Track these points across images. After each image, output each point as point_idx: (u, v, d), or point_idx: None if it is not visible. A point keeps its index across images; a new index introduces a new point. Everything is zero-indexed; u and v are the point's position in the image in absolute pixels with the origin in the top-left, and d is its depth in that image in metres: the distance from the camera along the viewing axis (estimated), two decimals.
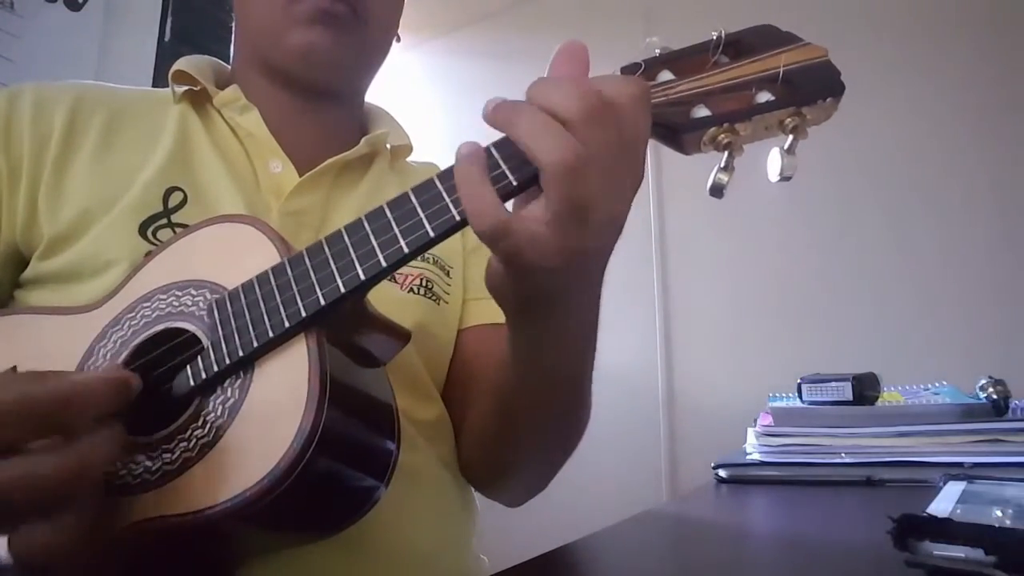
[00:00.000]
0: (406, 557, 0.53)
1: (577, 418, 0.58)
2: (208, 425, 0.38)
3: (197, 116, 0.62)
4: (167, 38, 1.70)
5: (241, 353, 0.39)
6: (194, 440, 0.37)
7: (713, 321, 1.85)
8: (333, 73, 0.64)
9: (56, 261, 0.54)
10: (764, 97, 0.39)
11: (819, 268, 1.68)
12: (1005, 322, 1.52)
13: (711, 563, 0.49)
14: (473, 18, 2.34)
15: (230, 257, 0.44)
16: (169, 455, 0.37)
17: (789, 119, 0.38)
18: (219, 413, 0.38)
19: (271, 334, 0.38)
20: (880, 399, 0.85)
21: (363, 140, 0.65)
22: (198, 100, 0.63)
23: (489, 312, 0.65)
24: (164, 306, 0.43)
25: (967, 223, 1.58)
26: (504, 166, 0.37)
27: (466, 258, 0.69)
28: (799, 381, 0.86)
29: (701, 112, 0.39)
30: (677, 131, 0.39)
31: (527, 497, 0.66)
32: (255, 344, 0.38)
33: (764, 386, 1.08)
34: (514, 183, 0.37)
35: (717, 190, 0.40)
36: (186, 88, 0.62)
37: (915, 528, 0.38)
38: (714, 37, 0.41)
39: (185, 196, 0.56)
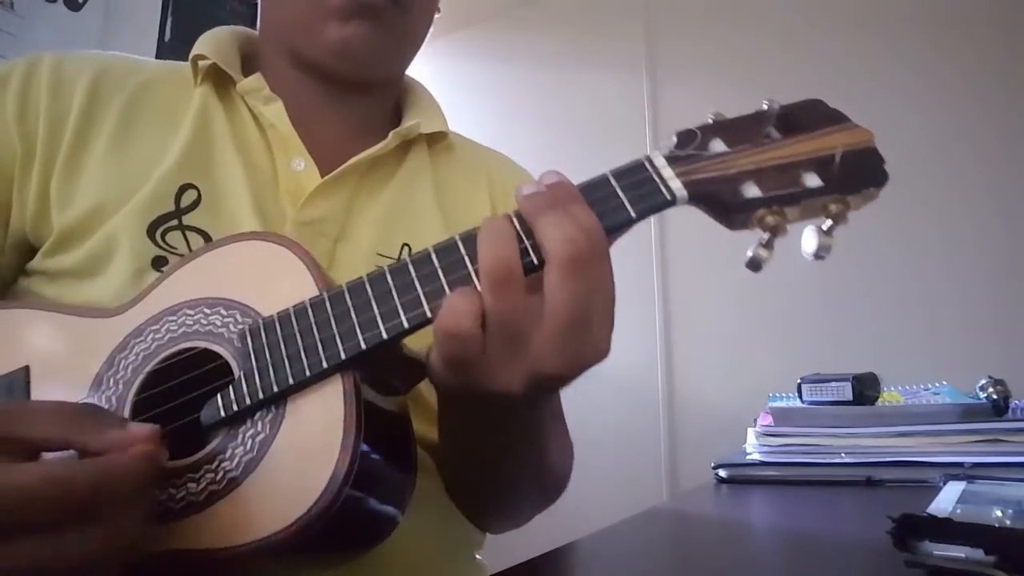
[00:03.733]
0: (405, 570, 0.53)
1: (539, 486, 0.57)
2: (237, 459, 0.37)
3: (219, 101, 0.58)
4: (167, 38, 1.71)
5: (275, 389, 0.38)
6: (221, 472, 0.37)
7: (713, 321, 1.85)
8: (371, 67, 0.60)
9: (65, 259, 0.51)
10: (812, 180, 0.39)
11: (819, 268, 1.68)
12: (1005, 322, 1.52)
13: (711, 563, 0.49)
14: (473, 19, 2.34)
15: (263, 279, 0.42)
16: (194, 485, 0.37)
17: (833, 205, 0.38)
18: (248, 447, 0.37)
19: (308, 373, 0.38)
20: (880, 399, 0.85)
21: (391, 134, 0.60)
22: (221, 81, 0.59)
23: None
24: (191, 322, 0.42)
25: (967, 223, 1.58)
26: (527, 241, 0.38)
27: None
28: (799, 381, 0.86)
29: (751, 191, 0.39)
30: (728, 210, 0.39)
31: (504, 530, 0.65)
32: (291, 382, 0.38)
33: (764, 386, 1.08)
34: (535, 261, 0.37)
35: (755, 265, 0.39)
36: (209, 63, 0.58)
37: (915, 528, 0.38)
38: (765, 108, 0.41)
39: (199, 196, 0.53)
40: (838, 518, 0.63)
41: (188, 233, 0.51)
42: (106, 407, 0.41)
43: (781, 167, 0.39)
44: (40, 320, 0.46)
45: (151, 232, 0.51)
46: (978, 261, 1.56)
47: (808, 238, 0.39)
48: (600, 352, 0.37)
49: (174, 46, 1.70)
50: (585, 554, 0.51)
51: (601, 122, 2.10)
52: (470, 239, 0.39)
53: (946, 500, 0.51)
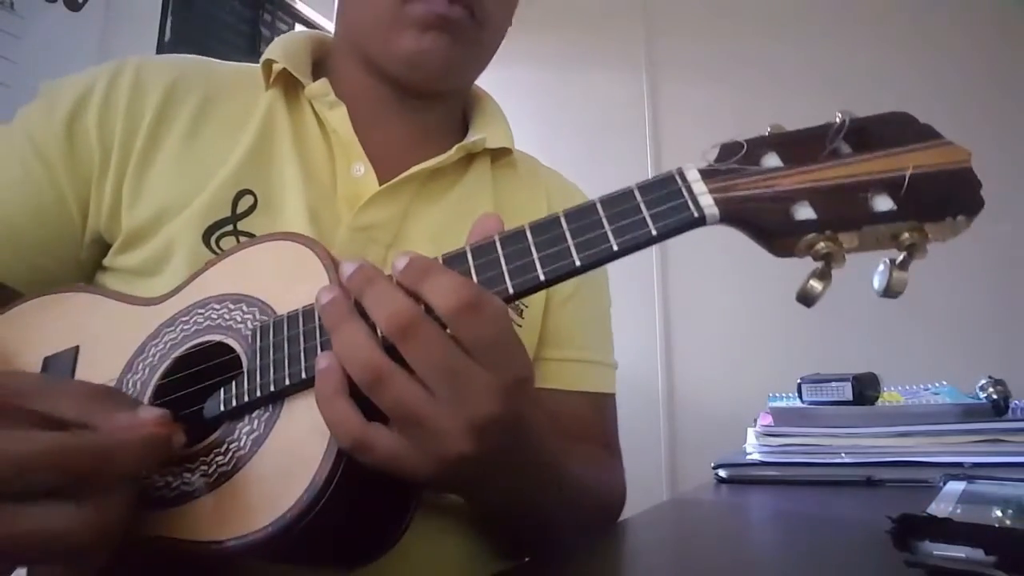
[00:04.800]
0: None
1: (578, 516, 0.55)
2: (230, 454, 0.38)
3: (286, 105, 0.60)
4: (167, 38, 1.71)
5: (272, 388, 0.38)
6: (214, 466, 0.38)
7: (713, 321, 1.85)
8: (444, 80, 0.60)
9: (130, 257, 0.54)
10: (882, 204, 0.33)
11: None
12: (1005, 322, 1.52)
13: (711, 563, 0.49)
14: None
15: (286, 279, 0.43)
16: (189, 475, 0.38)
17: (907, 234, 0.32)
18: (242, 443, 0.38)
19: (304, 375, 0.38)
20: (880, 399, 0.85)
21: (456, 147, 0.60)
22: (291, 85, 0.60)
23: (564, 376, 0.63)
24: (216, 316, 0.44)
25: None
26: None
27: (549, 304, 0.63)
28: (799, 381, 0.86)
29: (803, 212, 0.34)
30: (770, 233, 0.34)
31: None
32: (287, 382, 0.38)
33: (764, 386, 1.08)
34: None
35: (807, 298, 0.35)
36: (281, 68, 0.59)
37: (915, 528, 0.38)
38: (837, 120, 0.35)
39: (255, 201, 0.54)
40: (838, 518, 0.63)
41: (241, 239, 0.53)
42: (131, 391, 0.43)
43: (845, 187, 0.33)
44: (97, 304, 0.49)
45: (207, 237, 0.53)
46: (978, 261, 1.56)
47: (878, 274, 0.33)
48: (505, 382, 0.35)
49: (174, 46, 1.70)
50: (585, 554, 0.51)
51: (601, 122, 2.10)
52: (480, 250, 0.38)
53: (946, 500, 0.51)
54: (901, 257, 0.33)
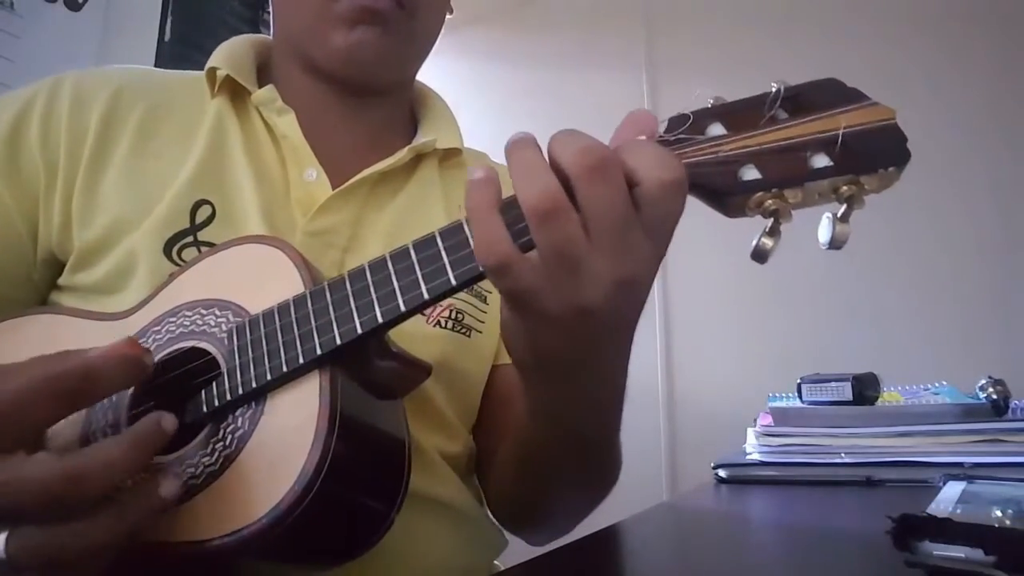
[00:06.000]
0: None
1: (601, 476, 0.56)
2: (216, 453, 0.38)
3: (234, 112, 0.59)
4: (167, 38, 1.71)
5: (254, 384, 0.39)
6: (201, 467, 0.38)
7: (713, 321, 1.85)
8: (379, 72, 0.60)
9: (89, 275, 0.53)
10: (820, 161, 0.36)
11: (819, 268, 1.68)
12: (1004, 322, 1.52)
13: (711, 563, 0.49)
14: (473, 18, 2.34)
15: (256, 280, 0.44)
16: (176, 479, 0.38)
17: (845, 187, 0.35)
18: (228, 442, 0.38)
19: (285, 368, 0.38)
20: (880, 399, 0.85)
21: (406, 149, 0.61)
22: (237, 92, 0.60)
23: None
24: (188, 323, 0.44)
25: (967, 222, 1.58)
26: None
27: None
28: (799, 381, 0.86)
29: (750, 173, 0.36)
30: (721, 194, 0.37)
31: (549, 540, 0.64)
32: (268, 377, 0.38)
33: (764, 386, 1.08)
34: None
35: (760, 255, 0.37)
36: (226, 75, 0.59)
37: (915, 528, 0.38)
38: (773, 90, 0.38)
39: (213, 211, 0.54)
40: (838, 518, 0.63)
41: (203, 249, 0.52)
42: (107, 404, 0.42)
43: (785, 148, 0.36)
44: (64, 324, 0.49)
45: (167, 249, 0.52)
46: (978, 261, 1.56)
47: (822, 227, 0.36)
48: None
49: (174, 46, 1.70)
50: (585, 554, 0.51)
51: (601, 122, 2.09)
52: (448, 232, 0.38)
53: (946, 500, 0.51)
54: (842, 210, 0.36)
